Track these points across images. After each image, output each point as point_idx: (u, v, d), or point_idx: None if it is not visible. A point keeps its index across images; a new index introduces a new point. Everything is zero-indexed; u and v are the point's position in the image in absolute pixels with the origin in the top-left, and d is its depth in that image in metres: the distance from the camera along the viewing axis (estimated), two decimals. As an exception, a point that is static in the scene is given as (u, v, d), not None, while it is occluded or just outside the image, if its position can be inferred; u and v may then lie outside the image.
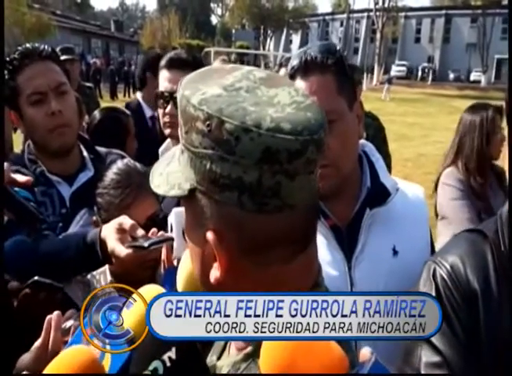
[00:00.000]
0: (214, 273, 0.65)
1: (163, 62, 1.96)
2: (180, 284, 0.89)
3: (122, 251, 1.16)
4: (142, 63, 3.67)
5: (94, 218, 1.44)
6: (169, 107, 1.90)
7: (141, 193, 1.37)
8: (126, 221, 1.21)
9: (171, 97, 1.90)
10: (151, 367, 0.58)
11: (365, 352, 0.60)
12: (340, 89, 1.22)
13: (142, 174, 1.42)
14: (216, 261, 0.64)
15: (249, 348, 0.68)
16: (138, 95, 3.46)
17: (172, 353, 0.58)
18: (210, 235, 0.63)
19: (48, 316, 1.01)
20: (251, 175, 0.59)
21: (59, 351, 1.03)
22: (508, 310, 0.92)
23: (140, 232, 1.19)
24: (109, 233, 1.21)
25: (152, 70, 3.18)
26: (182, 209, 1.30)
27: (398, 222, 1.29)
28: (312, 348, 0.56)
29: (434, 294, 0.97)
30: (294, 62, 1.24)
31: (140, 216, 1.33)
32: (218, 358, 0.76)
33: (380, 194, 1.28)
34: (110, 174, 1.41)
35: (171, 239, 1.18)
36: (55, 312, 1.05)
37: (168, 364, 0.58)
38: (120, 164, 1.45)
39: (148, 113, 3.30)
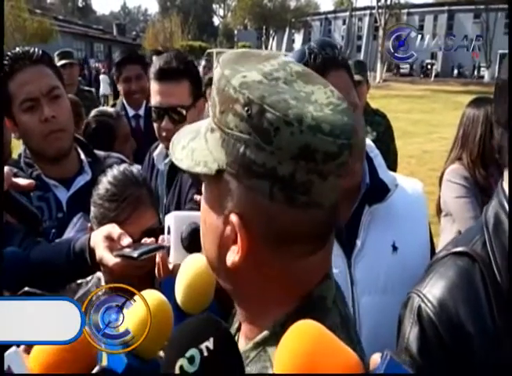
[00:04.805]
0: (232, 257, 0.64)
1: (152, 72, 1.81)
2: (179, 296, 0.88)
3: (110, 260, 1.13)
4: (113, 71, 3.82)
5: (89, 224, 1.37)
6: (164, 122, 1.79)
7: (138, 207, 1.28)
8: (114, 230, 1.17)
9: (165, 112, 1.79)
10: (188, 354, 0.57)
11: (375, 358, 0.59)
12: (353, 82, 1.23)
13: (140, 184, 1.32)
14: (235, 244, 0.64)
15: (258, 337, 0.68)
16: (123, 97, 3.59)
17: (210, 343, 0.58)
18: (234, 217, 0.63)
19: None
20: (286, 167, 0.59)
21: None
22: (509, 345, 0.81)
23: (127, 240, 1.14)
24: (98, 240, 1.18)
25: (117, 76, 3.43)
26: (181, 213, 1.25)
27: (398, 218, 1.28)
28: (332, 347, 0.54)
29: (418, 335, 0.87)
30: (299, 60, 1.17)
31: (135, 231, 1.25)
32: None
33: (379, 191, 1.27)
34: (105, 183, 1.30)
35: (162, 247, 1.14)
36: None
37: (206, 354, 0.57)
38: (116, 171, 1.33)
39: (131, 112, 3.42)
